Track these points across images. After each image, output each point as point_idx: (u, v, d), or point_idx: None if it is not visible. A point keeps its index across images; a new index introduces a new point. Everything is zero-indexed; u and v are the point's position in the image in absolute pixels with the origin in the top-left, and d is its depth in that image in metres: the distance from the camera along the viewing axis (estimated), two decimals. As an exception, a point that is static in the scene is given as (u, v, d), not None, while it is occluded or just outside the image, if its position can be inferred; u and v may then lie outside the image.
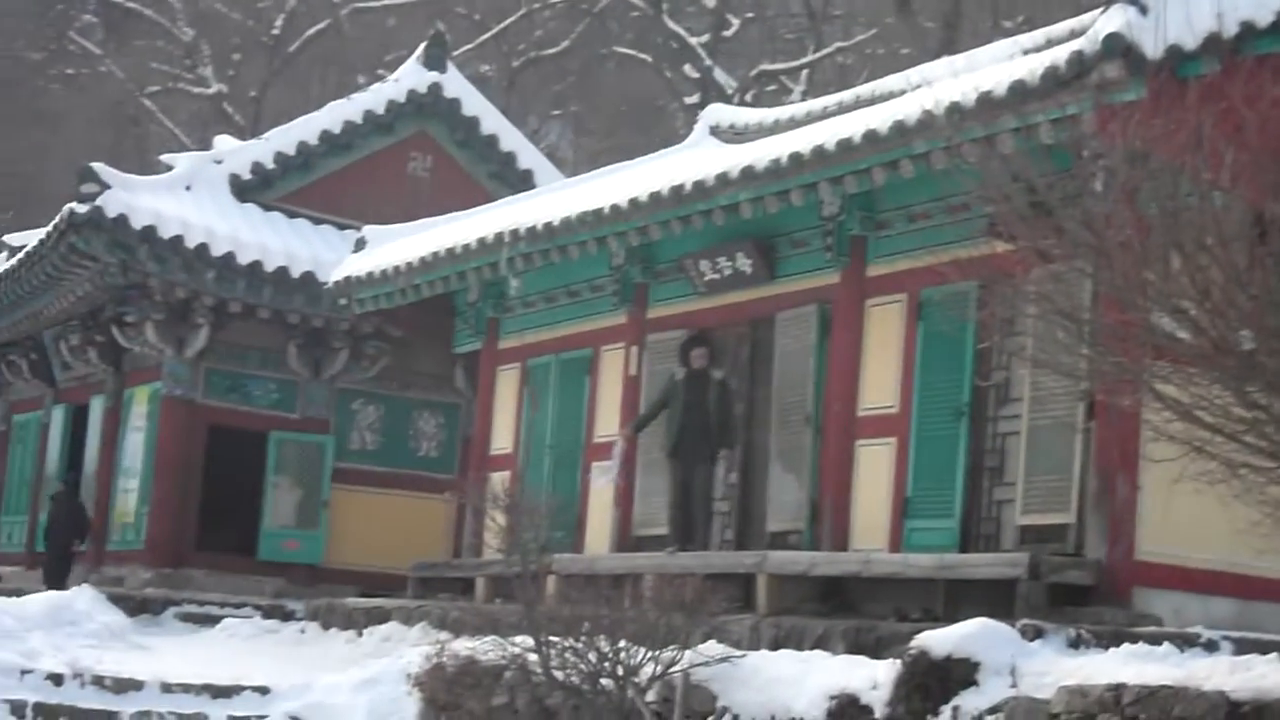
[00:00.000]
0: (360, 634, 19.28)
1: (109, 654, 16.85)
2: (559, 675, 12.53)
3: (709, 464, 17.24)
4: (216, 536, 25.26)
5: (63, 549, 25.22)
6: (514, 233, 19.24)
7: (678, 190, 16.73)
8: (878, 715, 11.01)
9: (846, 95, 20.14)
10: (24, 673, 15.30)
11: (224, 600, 23.09)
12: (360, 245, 22.99)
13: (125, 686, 15.46)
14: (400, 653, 16.08)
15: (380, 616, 19.34)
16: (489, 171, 27.60)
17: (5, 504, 30.70)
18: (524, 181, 26.92)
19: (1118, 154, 9.84)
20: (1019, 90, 12.90)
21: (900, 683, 10.92)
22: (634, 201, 17.31)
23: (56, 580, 24.20)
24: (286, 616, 22.11)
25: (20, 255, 25.61)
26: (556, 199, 19.99)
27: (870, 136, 14.43)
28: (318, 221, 25.96)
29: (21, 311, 26.99)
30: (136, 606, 21.89)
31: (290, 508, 25.46)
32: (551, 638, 12.61)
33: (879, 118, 14.57)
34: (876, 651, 12.04)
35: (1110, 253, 9.44)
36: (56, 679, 15.37)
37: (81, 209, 23.02)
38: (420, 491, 25.90)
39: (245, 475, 25.22)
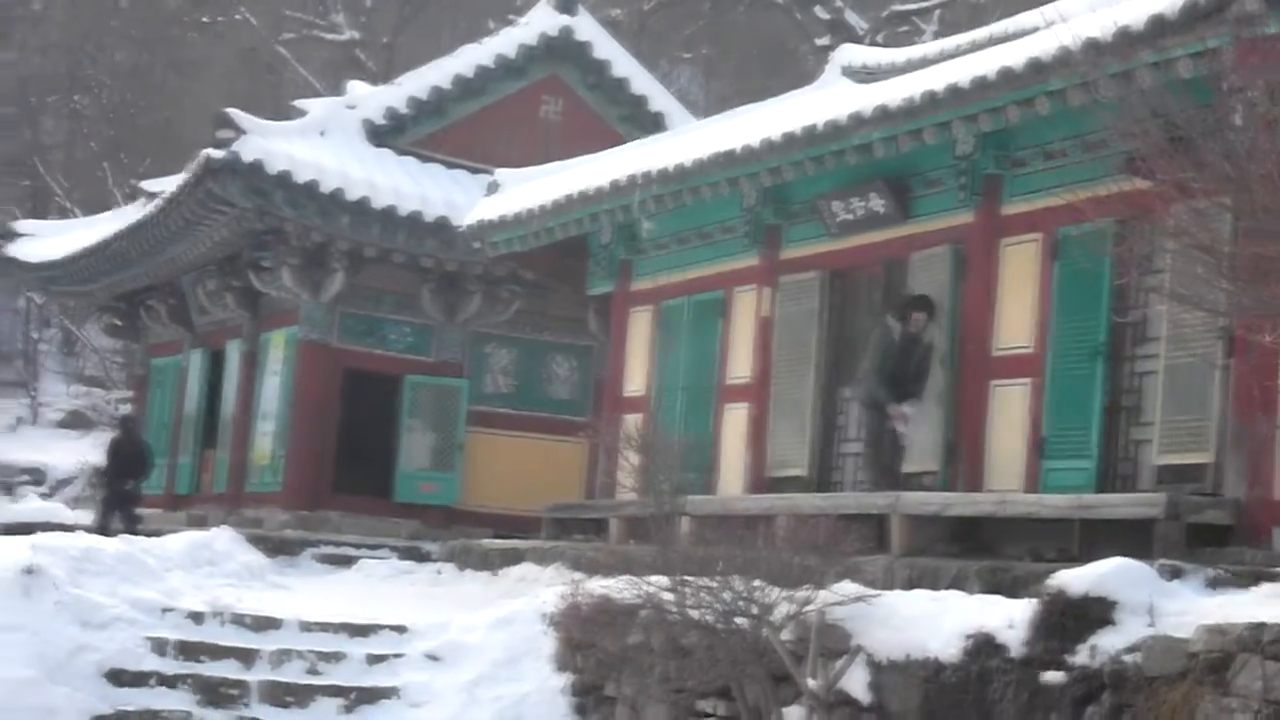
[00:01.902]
0: (495, 574, 19.40)
1: (248, 593, 17.08)
2: (694, 614, 12.55)
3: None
4: (352, 479, 25.51)
5: (119, 488, 25.51)
6: (646, 175, 19.20)
7: (811, 130, 16.62)
8: (1014, 654, 10.95)
9: (980, 33, 19.94)
10: (165, 611, 15.54)
11: (360, 541, 23.32)
12: (493, 189, 23.05)
13: (264, 625, 15.65)
14: (535, 593, 16.18)
15: (515, 557, 19.46)
16: (620, 114, 27.61)
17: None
18: (655, 124, 26.90)
19: (1258, 87, 9.68)
20: (1157, 24, 12.69)
21: (1037, 622, 10.85)
22: (767, 142, 17.21)
23: (106, 519, 24.52)
24: (422, 558, 22.30)
25: (158, 202, 25.91)
26: (688, 141, 19.92)
27: (1006, 74, 14.26)
28: (450, 166, 26.07)
29: (160, 257, 27.32)
30: (275, 547, 22.16)
31: (425, 450, 25.68)
32: (686, 577, 12.64)
33: (1014, 55, 14.39)
34: (1012, 591, 11.95)
35: (1251, 186, 9.30)
36: (197, 617, 15.60)
37: (218, 155, 23.25)
38: (553, 434, 26.03)
39: (380, 418, 25.46)
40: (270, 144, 23.88)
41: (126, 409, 29.80)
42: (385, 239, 24.52)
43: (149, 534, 20.71)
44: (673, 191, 19.05)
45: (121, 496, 25.35)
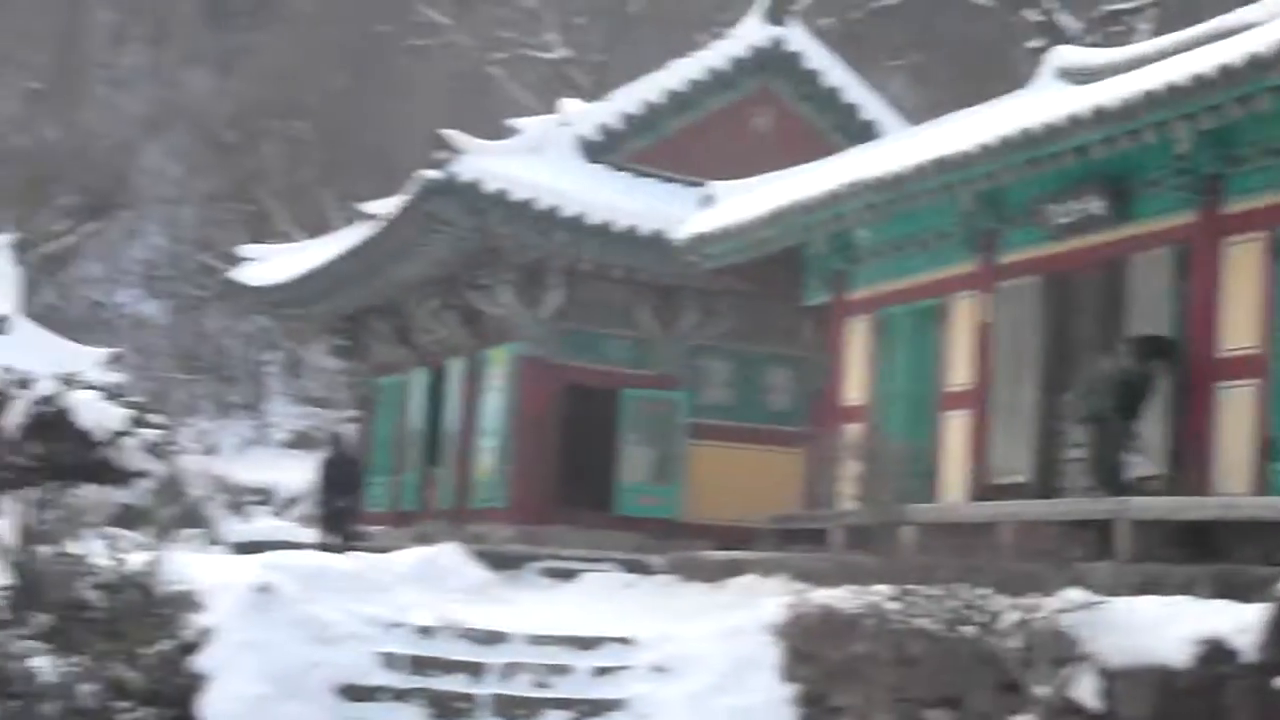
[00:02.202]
0: (718, 586, 19.42)
1: (475, 607, 17.23)
2: (919, 623, 12.51)
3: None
4: (574, 493, 25.71)
5: (334, 506, 25.95)
6: (861, 183, 19.17)
7: (1027, 133, 16.50)
8: (1247, 660, 10.78)
9: (1196, 30, 19.63)
10: (395, 626, 15.75)
11: (583, 555, 23.43)
12: (707, 201, 23.13)
13: (493, 639, 15.80)
14: (759, 603, 16.16)
15: (738, 568, 19.48)
16: (832, 124, 27.56)
17: (372, 466, 31.65)
18: (867, 133, 26.81)
19: None
20: (1382, 16, 12.46)
21: (1271, 626, 10.68)
22: (982, 146, 17.12)
23: (330, 535, 24.97)
24: (645, 570, 22.37)
25: (378, 223, 26.34)
26: (902, 148, 19.85)
27: (1225, 71, 14.06)
28: (664, 180, 26.18)
29: (382, 278, 27.76)
30: (499, 562, 22.34)
31: (645, 464, 25.83)
32: (911, 586, 12.60)
33: (1234, 51, 14.18)
34: (1244, 596, 11.75)
35: None
36: (426, 632, 15.79)
37: (436, 175, 23.58)
38: (772, 445, 26.02)
39: (600, 432, 25.64)
40: (486, 163, 24.17)
41: (337, 428, 30.52)
42: (602, 254, 24.71)
43: (377, 550, 21.03)
44: (887, 200, 19.01)
45: (337, 514, 25.87)
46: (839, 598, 13.74)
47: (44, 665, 15.02)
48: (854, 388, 21.41)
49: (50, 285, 67.31)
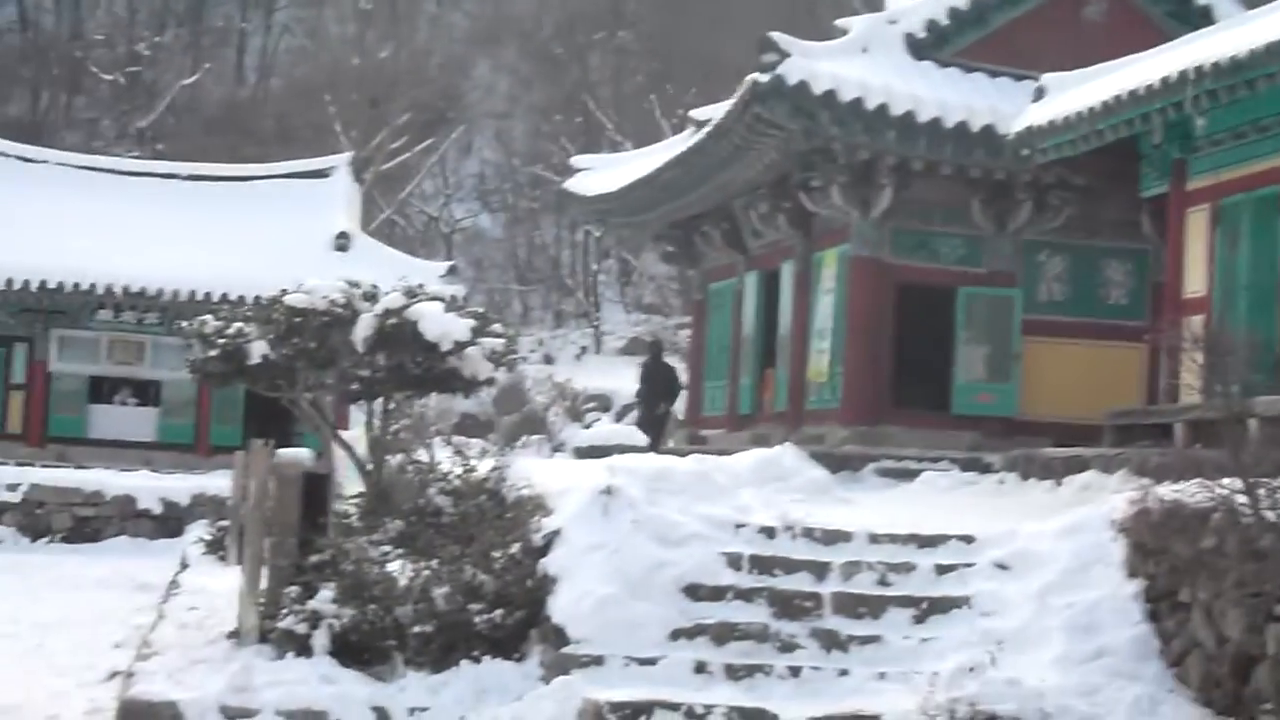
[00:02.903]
0: (1059, 483, 19.27)
1: (815, 508, 17.33)
2: (1270, 516, 12.27)
3: None
4: (909, 393, 25.68)
5: (653, 410, 26.25)
6: (1199, 70, 18.69)
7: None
8: None
9: None
10: (738, 526, 15.94)
11: (920, 455, 23.44)
12: (1039, 94, 22.77)
13: (834, 538, 15.91)
14: (1101, 500, 16.02)
15: (1078, 465, 19.28)
16: (1165, 11, 26.86)
17: (707, 370, 31.97)
18: (1203, 18, 26.03)
19: None
20: None
21: None
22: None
23: (652, 439, 25.30)
24: (983, 469, 22.29)
25: (707, 129, 26.47)
26: (1241, 33, 19.28)
27: None
28: (993, 74, 25.84)
29: (711, 183, 27.92)
30: (836, 463, 22.43)
31: (981, 362, 25.64)
32: (1260, 479, 12.36)
33: None
34: None
35: None
36: (768, 532, 15.95)
37: (764, 79, 23.59)
38: (1110, 340, 25.64)
39: (934, 331, 25.52)
40: (814, 65, 24.10)
41: (655, 336, 31.10)
42: (932, 152, 24.52)
43: (715, 454, 21.27)
44: (1226, 86, 18.50)
45: (655, 418, 26.27)
46: (1185, 492, 13.53)
47: (398, 570, 15.56)
48: (1194, 279, 20.95)
49: (387, 202, 69.09)
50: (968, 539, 15.79)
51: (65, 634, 22.10)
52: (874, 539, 15.87)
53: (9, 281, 41.31)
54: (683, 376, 33.12)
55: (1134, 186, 22.46)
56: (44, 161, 48.74)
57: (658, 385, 30.39)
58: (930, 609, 14.74)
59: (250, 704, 13.53)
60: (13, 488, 36.53)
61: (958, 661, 13.42)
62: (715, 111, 27.21)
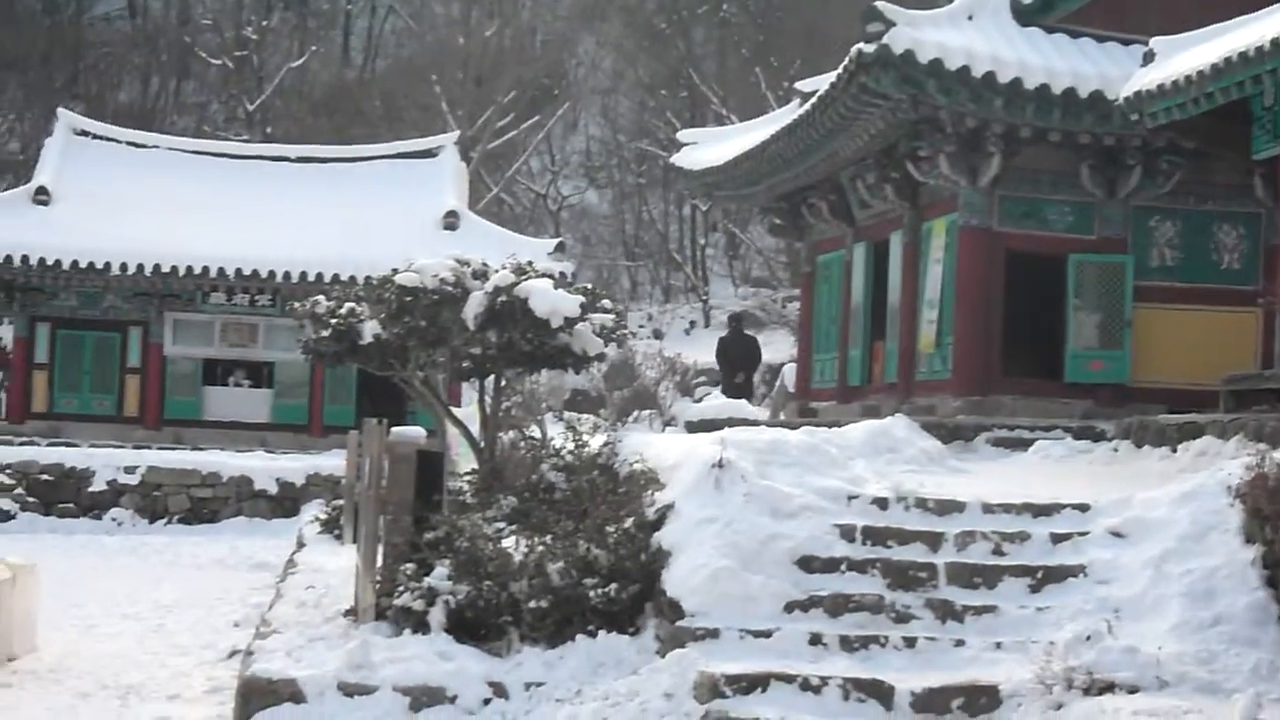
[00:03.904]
0: (1173, 450, 19.13)
1: (928, 478, 17.31)
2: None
3: None
4: (1020, 362, 25.55)
5: (731, 380, 26.33)
6: (1310, 30, 18.47)
7: None
8: None
9: None
10: (850, 498, 15.92)
11: (1032, 423, 23.31)
12: (1148, 58, 22.53)
13: (947, 508, 15.86)
14: (1217, 466, 15.89)
15: (1193, 431, 19.14)
16: (1277, -31, 26.51)
17: (816, 342, 31.92)
18: (1317, -22, 25.72)
19: None
20: None
21: None
22: None
23: None
24: (1096, 437, 22.15)
25: (813, 101, 26.40)
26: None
27: None
28: (1100, 39, 25.58)
29: (818, 154, 27.85)
30: (948, 433, 22.37)
31: (1092, 329, 25.47)
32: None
33: None
34: None
35: None
36: (881, 503, 15.92)
37: (869, 49, 23.49)
38: (1223, 305, 25.42)
39: (1044, 299, 25.38)
40: (919, 33, 23.96)
41: (736, 310, 31.44)
42: (1040, 119, 24.33)
43: (827, 425, 21.25)
44: (1340, 45, 18.26)
45: (735, 389, 26.34)
46: (1304, 457, 13.43)
47: (512, 546, 15.66)
48: (1309, 241, 20.73)
49: (494, 180, 69.39)
50: (1082, 507, 15.71)
51: (184, 614, 22.47)
52: (988, 509, 15.82)
53: (124, 266, 41.86)
54: (790, 349, 33.17)
55: (1246, 149, 22.19)
56: (155, 147, 49.36)
57: (735, 356, 30.64)
58: (1046, 578, 14.67)
59: (368, 681, 13.66)
60: (130, 470, 37.07)
61: (1074, 630, 13.33)
62: (821, 83, 27.13)
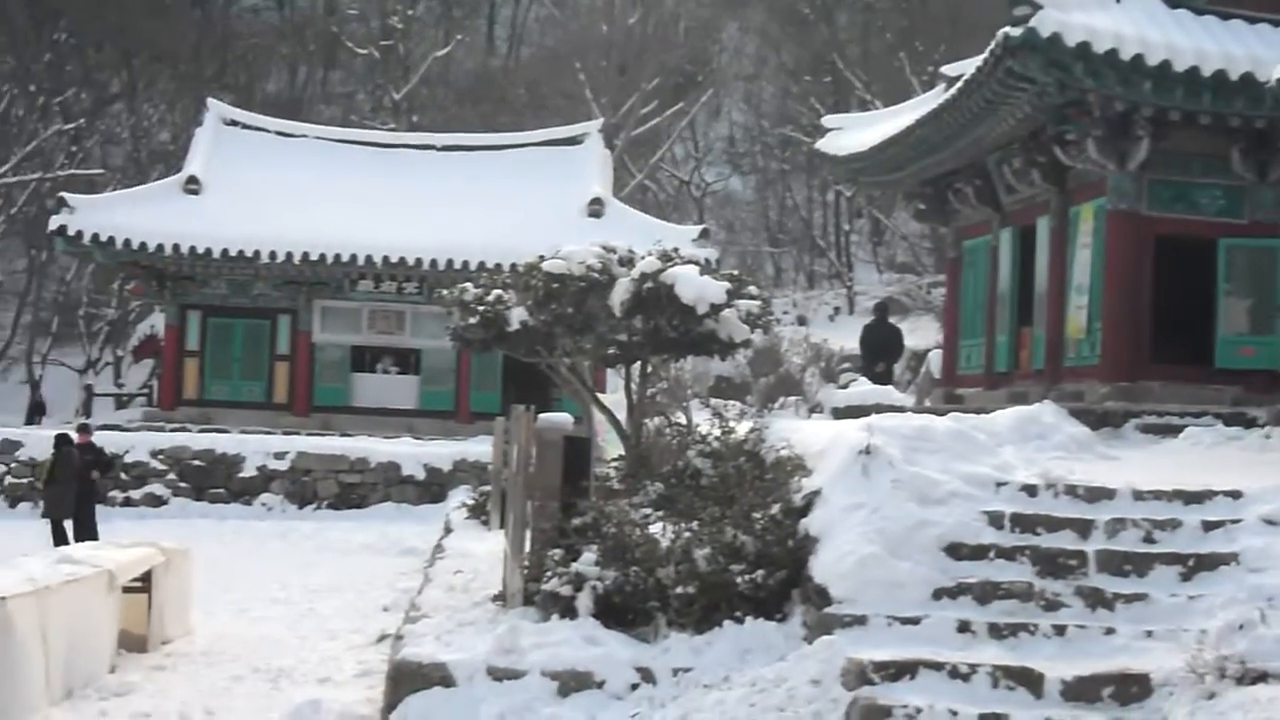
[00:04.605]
0: (1329, 436, 18.90)
1: (1077, 465, 17.16)
2: None
3: None
4: (1169, 348, 25.23)
5: (872, 369, 26.29)
6: None
7: None
8: None
9: None
10: (999, 484, 15.81)
11: (1182, 410, 23.05)
12: (1302, 38, 22.25)
13: (1097, 495, 15.73)
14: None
15: (1350, 418, 18.87)
16: None
17: (962, 328, 31.72)
18: None
19: None
20: None
21: None
22: None
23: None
24: (1248, 423, 21.87)
25: (958, 85, 26.22)
26: None
27: None
28: (1252, 20, 25.19)
29: (963, 139, 27.65)
30: (1096, 419, 22.17)
31: (1243, 314, 25.10)
32: None
33: None
34: None
35: None
36: (1030, 490, 15.81)
37: (1016, 33, 23.28)
38: (1379, 289, 24.98)
39: (1194, 284, 25.07)
40: (1067, 16, 23.71)
41: (882, 299, 31.53)
42: (1189, 102, 24.01)
43: (974, 412, 21.14)
44: None
45: (876, 379, 26.27)
46: None
47: (659, 532, 15.72)
48: None
49: (638, 168, 69.53)
50: (1234, 494, 15.53)
51: (334, 598, 22.76)
52: (1138, 495, 15.68)
53: (273, 254, 42.42)
54: (935, 335, 33.06)
55: None
56: (303, 136, 49.97)
57: (877, 345, 30.61)
58: (1197, 565, 14.52)
59: (517, 665, 13.77)
60: (280, 456, 37.60)
61: (1226, 619, 13.18)
62: (966, 67, 26.93)
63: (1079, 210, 26.40)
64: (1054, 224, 27.12)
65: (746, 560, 14.87)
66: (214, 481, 37.28)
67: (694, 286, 18.29)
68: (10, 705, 13.19)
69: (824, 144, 33.68)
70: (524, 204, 43.97)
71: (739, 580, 14.70)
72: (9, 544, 23.72)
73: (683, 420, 20.48)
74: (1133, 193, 25.03)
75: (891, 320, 32.40)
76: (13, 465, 37.10)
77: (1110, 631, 13.68)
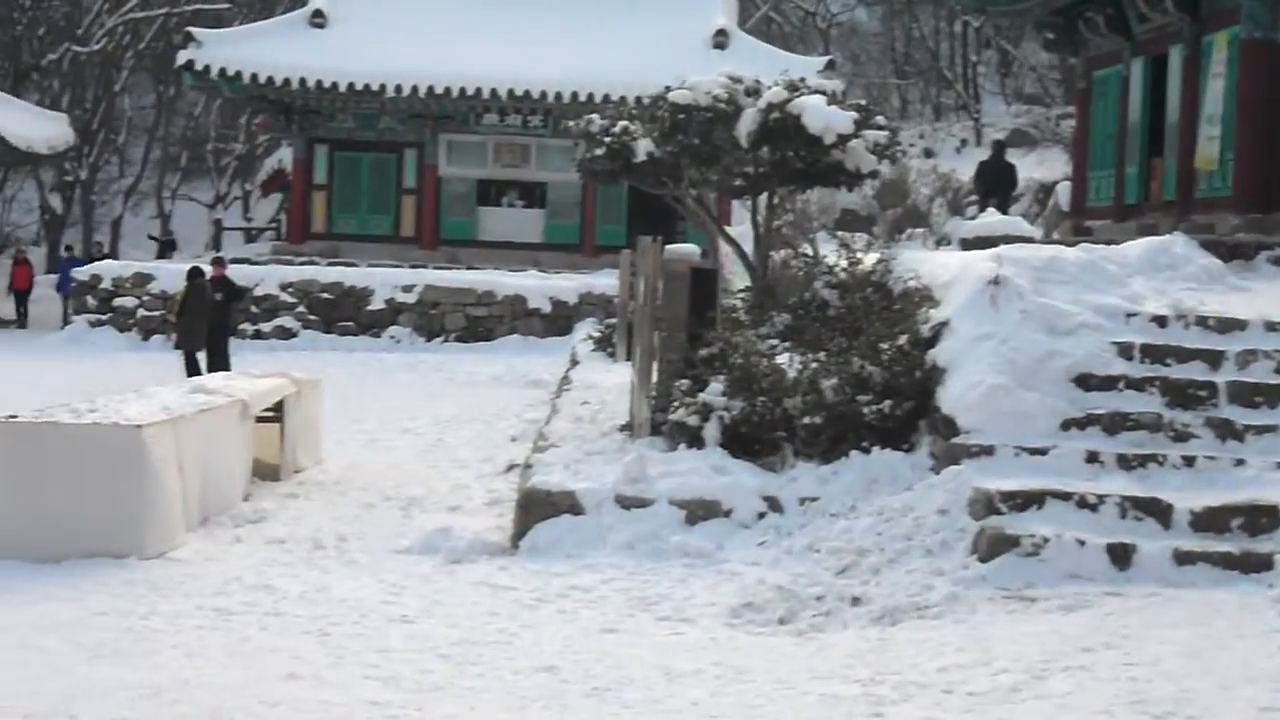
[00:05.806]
0: None
1: (1208, 296, 16.98)
2: None
3: None
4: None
5: (985, 205, 26.14)
6: None
7: None
8: None
9: None
10: (1129, 315, 15.70)
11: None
12: None
13: (1228, 326, 15.59)
14: None
15: None
16: None
17: (1091, 160, 31.33)
18: None
19: None
20: None
21: None
22: None
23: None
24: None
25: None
26: None
27: None
28: None
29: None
30: (1228, 251, 21.80)
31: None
32: None
33: None
34: None
35: None
36: (1160, 320, 15.69)
37: None
38: None
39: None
40: None
41: (1005, 129, 31.59)
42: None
43: (1104, 244, 20.94)
44: None
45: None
46: None
47: (786, 362, 15.75)
48: None
49: (764, -2, 68.82)
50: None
51: (462, 429, 22.98)
52: (1270, 327, 15.53)
53: (398, 88, 42.49)
54: (1064, 168, 32.74)
55: None
56: (428, -31, 49.70)
57: (991, 181, 30.42)
58: (1330, 399, 14.40)
59: (645, 494, 13.91)
60: (408, 289, 37.87)
61: (1358, 449, 13.12)
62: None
63: (1212, 39, 25.90)
64: (1186, 53, 26.63)
65: (873, 391, 14.89)
66: (342, 314, 37.61)
67: (821, 116, 18.17)
68: (147, 531, 13.45)
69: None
70: (649, 36, 43.70)
71: (866, 410, 14.73)
72: (143, 376, 24.09)
73: (809, 252, 20.44)
74: (1268, 21, 24.51)
75: (1009, 158, 32.13)
76: (145, 299, 37.61)
77: (1240, 463, 13.61)
